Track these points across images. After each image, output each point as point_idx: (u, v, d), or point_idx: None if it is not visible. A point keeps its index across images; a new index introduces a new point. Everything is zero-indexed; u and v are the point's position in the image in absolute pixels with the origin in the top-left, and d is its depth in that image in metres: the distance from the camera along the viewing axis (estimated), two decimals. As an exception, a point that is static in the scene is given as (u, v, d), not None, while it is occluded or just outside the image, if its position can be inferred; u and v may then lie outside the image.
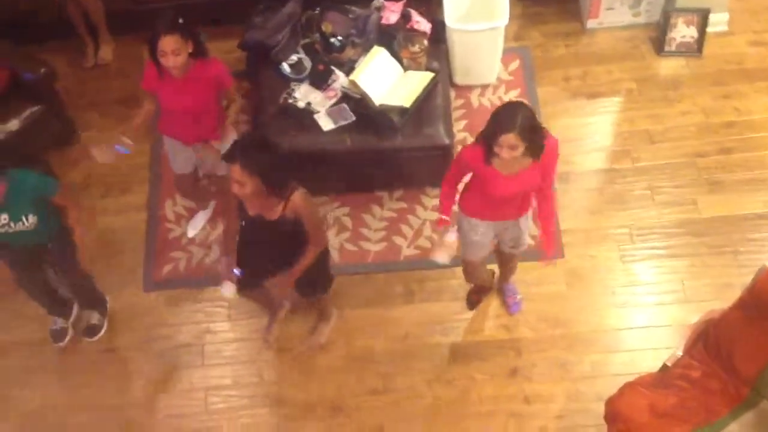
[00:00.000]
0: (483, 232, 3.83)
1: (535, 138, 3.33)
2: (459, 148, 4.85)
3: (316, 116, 4.54)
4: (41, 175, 3.71)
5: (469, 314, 4.44)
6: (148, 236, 4.77)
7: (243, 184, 3.33)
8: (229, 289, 3.82)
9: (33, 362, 4.46)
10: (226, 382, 4.35)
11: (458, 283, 4.51)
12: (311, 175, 4.60)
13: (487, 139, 3.36)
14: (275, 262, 3.76)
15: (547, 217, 3.73)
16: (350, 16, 4.78)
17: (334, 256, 4.62)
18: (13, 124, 4.71)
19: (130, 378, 4.39)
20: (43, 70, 4.68)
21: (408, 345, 4.38)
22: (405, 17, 4.75)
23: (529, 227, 3.93)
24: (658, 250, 4.53)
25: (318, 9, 4.80)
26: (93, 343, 4.48)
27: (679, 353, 3.69)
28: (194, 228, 4.76)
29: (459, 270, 4.48)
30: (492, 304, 4.45)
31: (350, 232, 4.71)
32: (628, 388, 3.58)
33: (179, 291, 4.60)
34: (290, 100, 4.58)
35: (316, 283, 4.02)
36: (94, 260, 4.64)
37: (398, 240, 4.67)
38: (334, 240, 4.67)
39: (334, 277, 4.12)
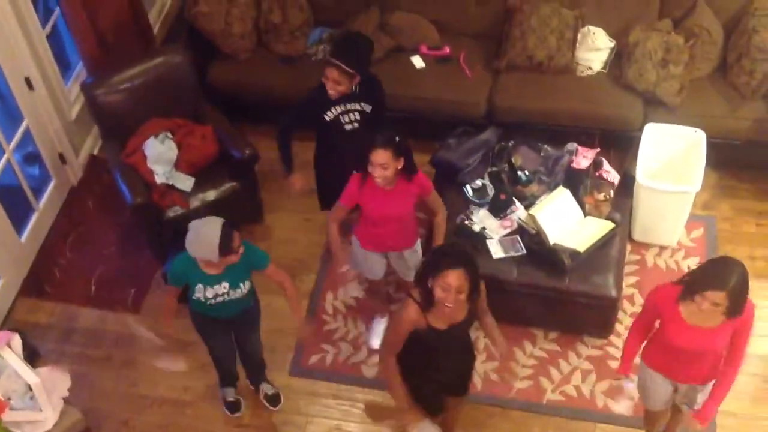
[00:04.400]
0: (662, 383, 3.72)
1: (740, 300, 3.24)
2: (625, 302, 4.79)
3: (488, 242, 4.62)
4: (254, 246, 3.93)
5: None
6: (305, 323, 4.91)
7: (461, 290, 3.35)
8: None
9: (172, 419, 4.64)
10: (347, 484, 4.35)
11: (599, 440, 4.37)
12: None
13: (693, 284, 3.28)
14: (453, 371, 3.81)
15: (720, 383, 3.54)
16: (542, 153, 4.89)
17: (477, 383, 4.59)
18: (210, 195, 5.03)
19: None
20: (248, 151, 5.01)
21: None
22: (596, 164, 4.80)
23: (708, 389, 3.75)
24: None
25: (512, 142, 4.94)
26: (228, 417, 4.61)
27: None
28: (378, 337, 4.80)
29: (600, 426, 4.36)
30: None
31: (497, 362, 4.68)
32: None
33: (321, 383, 4.68)
34: (467, 222, 4.68)
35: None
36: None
37: (544, 382, 4.59)
38: (479, 367, 4.65)
39: None
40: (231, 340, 4.29)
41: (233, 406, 4.59)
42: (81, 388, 4.55)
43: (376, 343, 4.79)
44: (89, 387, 4.69)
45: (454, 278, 3.31)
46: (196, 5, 5.52)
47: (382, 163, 3.81)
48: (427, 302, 3.43)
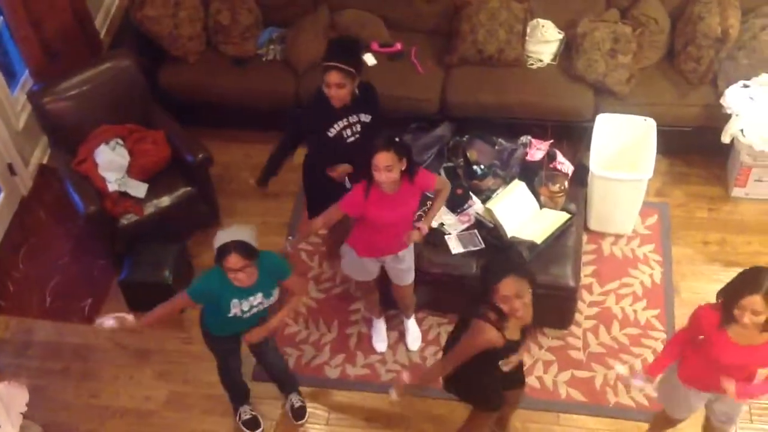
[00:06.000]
0: (695, 398, 3.70)
1: None
2: (583, 292, 4.84)
3: (446, 237, 4.62)
4: (280, 256, 3.85)
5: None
6: (265, 326, 4.88)
7: (521, 294, 3.30)
8: None
9: (135, 429, 4.58)
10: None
11: (561, 430, 4.39)
12: (431, 291, 4.69)
13: (728, 300, 3.24)
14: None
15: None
16: (496, 147, 4.92)
17: (440, 380, 4.60)
18: (164, 201, 4.98)
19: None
20: (201, 154, 4.96)
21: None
22: (550, 156, 4.84)
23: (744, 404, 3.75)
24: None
25: (466, 136, 4.96)
26: (192, 424, 4.56)
27: None
28: (383, 340, 4.77)
29: (563, 416, 4.40)
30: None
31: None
32: None
33: (285, 386, 4.67)
34: (424, 218, 4.69)
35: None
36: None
37: (508, 374, 4.62)
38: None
39: None
40: (239, 356, 4.20)
41: (250, 423, 4.46)
42: (40, 401, 4.48)
43: (382, 347, 4.76)
44: (49, 400, 4.62)
45: (506, 288, 3.29)
46: (141, 8, 5.44)
47: (387, 165, 3.73)
48: (501, 319, 3.39)
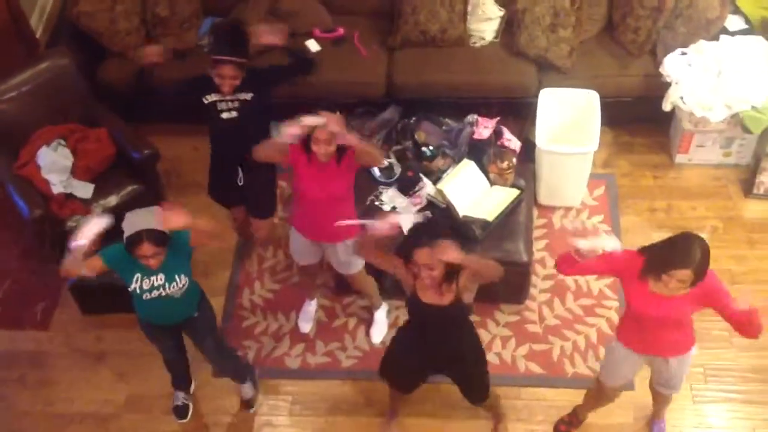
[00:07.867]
0: (631, 362, 3.76)
1: (703, 272, 3.24)
2: (537, 266, 4.89)
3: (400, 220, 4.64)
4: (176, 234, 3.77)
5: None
6: (222, 322, 4.85)
7: (433, 267, 3.35)
8: None
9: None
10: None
11: (523, 404, 4.46)
12: (387, 275, 4.70)
13: (656, 264, 3.28)
14: (440, 358, 3.80)
15: (740, 316, 3.36)
16: (444, 128, 4.94)
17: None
18: (112, 200, 4.91)
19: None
20: (147, 150, 4.91)
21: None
22: (497, 134, 4.88)
23: (685, 371, 3.78)
24: (732, 394, 4.40)
25: (414, 118, 4.98)
26: (158, 421, 4.53)
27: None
28: (308, 322, 4.80)
29: (524, 390, 4.47)
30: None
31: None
32: None
33: (246, 379, 4.65)
34: (377, 202, 4.70)
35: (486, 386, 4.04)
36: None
37: (467, 352, 4.66)
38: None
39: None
40: (178, 346, 4.22)
41: (178, 411, 4.50)
42: (-2, 411, 4.43)
43: (305, 327, 4.78)
44: (6, 410, 4.55)
45: (420, 256, 3.35)
46: (76, 4, 5.34)
47: (326, 138, 3.78)
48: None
